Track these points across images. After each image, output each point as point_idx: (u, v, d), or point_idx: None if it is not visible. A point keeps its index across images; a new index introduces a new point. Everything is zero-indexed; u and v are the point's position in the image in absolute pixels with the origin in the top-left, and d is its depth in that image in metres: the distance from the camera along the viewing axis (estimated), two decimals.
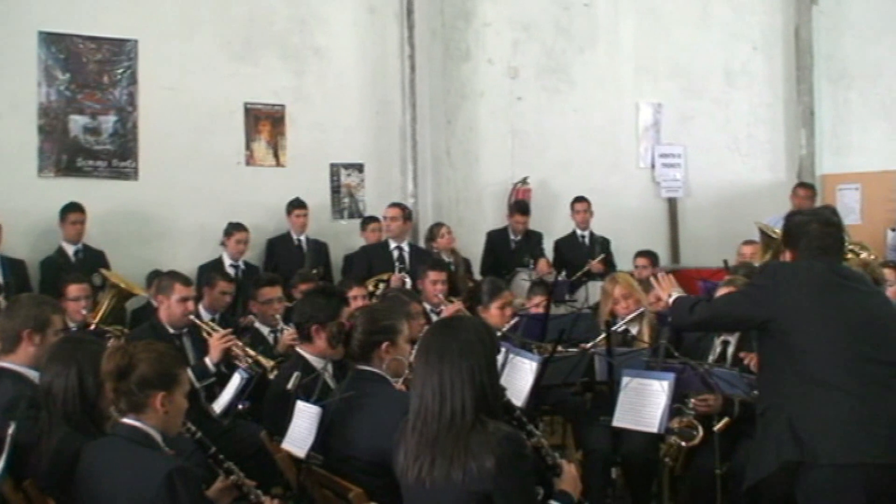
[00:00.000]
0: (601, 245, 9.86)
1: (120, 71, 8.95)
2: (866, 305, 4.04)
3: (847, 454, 3.75)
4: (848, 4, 12.58)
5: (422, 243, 9.88)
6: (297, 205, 9.40)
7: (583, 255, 9.78)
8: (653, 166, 11.75)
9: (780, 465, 3.88)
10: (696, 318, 4.38)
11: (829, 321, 3.92)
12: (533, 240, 9.99)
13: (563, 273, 9.31)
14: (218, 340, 5.66)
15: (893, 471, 3.77)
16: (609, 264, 9.47)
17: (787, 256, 4.28)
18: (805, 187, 10.40)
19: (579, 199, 10.20)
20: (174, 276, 6.19)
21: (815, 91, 12.26)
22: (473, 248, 10.14)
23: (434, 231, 9.46)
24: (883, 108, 12.81)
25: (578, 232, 10.17)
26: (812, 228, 4.16)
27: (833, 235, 4.18)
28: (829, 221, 4.23)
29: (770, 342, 4.10)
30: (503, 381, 4.63)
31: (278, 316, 6.53)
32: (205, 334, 5.86)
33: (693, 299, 4.62)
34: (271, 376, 5.36)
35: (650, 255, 9.01)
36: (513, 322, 6.30)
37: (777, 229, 8.58)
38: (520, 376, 4.94)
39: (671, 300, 4.71)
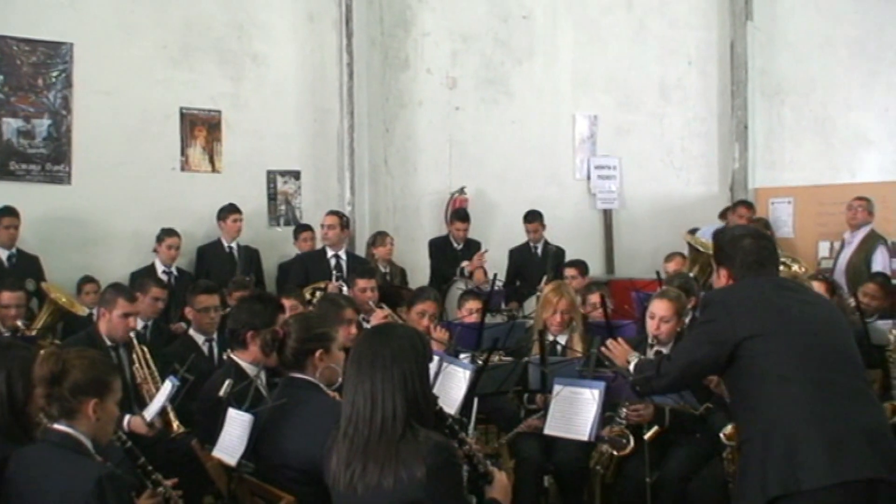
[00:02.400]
0: (554, 256, 9.88)
1: (55, 74, 8.83)
2: (819, 317, 3.93)
3: (828, 475, 3.60)
4: (783, 21, 12.82)
5: (361, 249, 9.89)
6: (232, 210, 9.30)
7: (536, 265, 9.85)
8: (589, 178, 11.86)
9: (767, 502, 3.68)
10: (667, 380, 4.18)
11: (790, 339, 3.80)
12: (473, 249, 10.01)
13: (517, 282, 9.35)
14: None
15: (872, 485, 3.65)
16: (558, 278, 9.43)
17: (722, 274, 4.13)
18: (746, 206, 10.54)
19: (530, 220, 10.13)
20: (119, 290, 6.08)
21: (749, 106, 12.45)
22: (411, 257, 10.16)
23: (378, 238, 9.46)
24: (815, 124, 13.07)
25: (532, 244, 10.20)
26: (746, 244, 4.06)
27: (767, 248, 4.10)
28: (761, 235, 4.18)
29: (736, 371, 3.90)
30: (437, 389, 4.67)
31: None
32: (134, 357, 5.76)
33: (654, 361, 4.40)
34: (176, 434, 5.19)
35: (580, 265, 9.06)
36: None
37: (706, 241, 8.77)
38: (453, 385, 4.97)
39: (632, 366, 4.59)
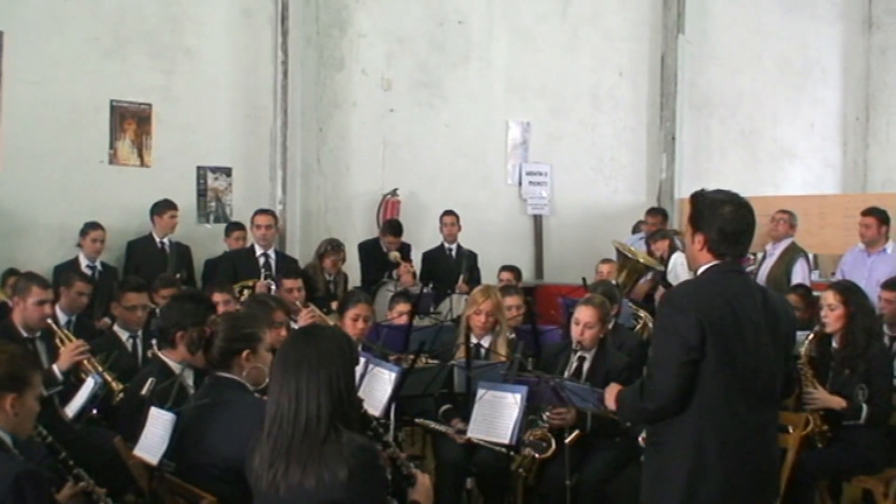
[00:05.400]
0: (468, 259, 9.96)
1: None
2: (764, 342, 3.78)
3: None
4: (714, 35, 13.10)
5: (291, 248, 9.86)
6: (169, 205, 9.12)
7: (450, 268, 9.88)
8: (520, 183, 11.98)
9: None
10: (655, 407, 3.78)
11: (730, 368, 3.69)
12: (403, 251, 10.01)
13: (430, 285, 9.38)
14: (70, 351, 5.51)
15: None
16: (474, 281, 9.51)
17: (698, 240, 3.87)
18: (657, 214, 10.76)
19: (448, 213, 10.30)
20: (31, 277, 6.06)
21: (678, 117, 12.69)
22: None
23: (329, 249, 9.30)
24: (742, 137, 13.41)
25: (446, 245, 10.25)
26: (726, 211, 3.83)
27: (747, 218, 3.89)
28: (742, 202, 3.91)
29: None
30: (363, 390, 4.70)
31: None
32: (58, 341, 5.71)
33: (633, 389, 3.96)
34: (118, 398, 5.24)
35: (514, 270, 9.21)
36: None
37: (633, 248, 8.97)
38: (379, 386, 5.01)
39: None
